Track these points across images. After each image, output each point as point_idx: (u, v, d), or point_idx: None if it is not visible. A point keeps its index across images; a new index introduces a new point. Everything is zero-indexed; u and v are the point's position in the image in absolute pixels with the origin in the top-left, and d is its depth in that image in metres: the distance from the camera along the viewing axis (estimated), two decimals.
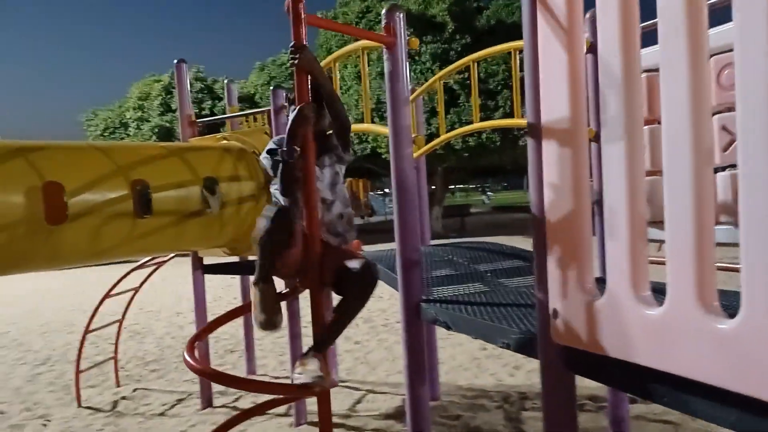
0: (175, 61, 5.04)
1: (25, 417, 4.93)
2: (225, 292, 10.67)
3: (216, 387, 4.98)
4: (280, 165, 2.38)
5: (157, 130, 22.61)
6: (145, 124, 23.33)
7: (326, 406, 2.30)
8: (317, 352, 2.28)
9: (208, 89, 23.83)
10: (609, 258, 1.51)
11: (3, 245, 2.92)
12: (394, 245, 2.98)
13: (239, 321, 5.83)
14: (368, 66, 3.63)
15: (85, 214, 3.24)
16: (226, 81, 6.14)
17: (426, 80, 5.88)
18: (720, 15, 2.21)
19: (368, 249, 6.13)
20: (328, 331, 2.35)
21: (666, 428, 3.85)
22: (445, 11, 18.49)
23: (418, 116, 4.66)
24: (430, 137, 5.42)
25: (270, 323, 2.27)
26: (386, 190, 37.01)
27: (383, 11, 2.83)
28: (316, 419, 2.36)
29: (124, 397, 5.34)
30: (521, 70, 2.16)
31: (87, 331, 5.37)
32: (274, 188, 2.56)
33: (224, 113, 5.84)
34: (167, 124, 22.38)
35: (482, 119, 10.73)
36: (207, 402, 4.92)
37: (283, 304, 2.55)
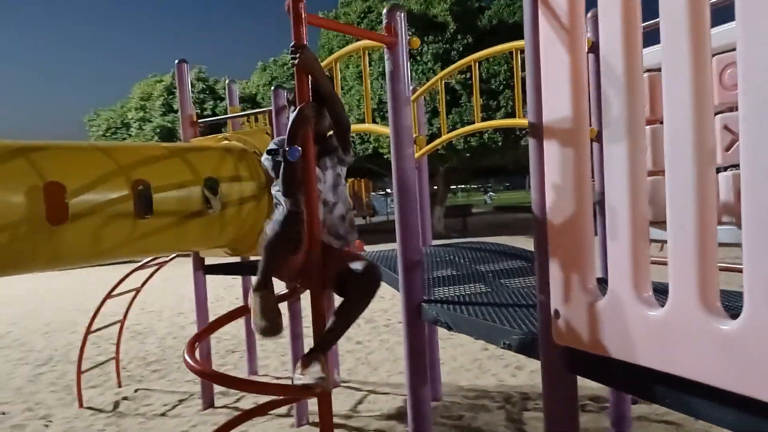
0: (176, 61, 5.05)
1: (26, 417, 4.93)
2: (227, 292, 10.67)
3: (217, 387, 4.98)
4: (281, 166, 2.37)
5: (159, 130, 22.64)
6: (147, 124, 23.37)
7: (327, 407, 2.29)
8: (318, 353, 2.28)
9: (210, 89, 23.86)
10: (611, 258, 1.50)
11: (4, 245, 2.93)
12: (395, 245, 2.97)
13: (241, 321, 5.82)
14: (370, 66, 3.63)
15: (87, 214, 3.24)
16: (227, 81, 6.14)
17: (428, 80, 5.88)
18: (722, 14, 2.20)
19: (370, 249, 6.12)
20: (329, 333, 2.33)
21: (668, 429, 3.84)
22: (446, 11, 18.48)
23: (420, 116, 4.65)
24: (432, 137, 5.41)
25: (272, 329, 2.25)
26: (388, 191, 37.00)
27: (384, 11, 2.82)
28: (317, 420, 2.35)
29: (125, 398, 5.34)
30: (523, 70, 2.16)
31: (88, 332, 5.37)
32: (276, 190, 2.55)
33: (226, 113, 5.84)
34: (169, 125, 22.42)
35: (484, 119, 10.72)
36: (208, 402, 4.92)
37: (284, 307, 2.55)
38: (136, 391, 5.53)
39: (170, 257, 5.52)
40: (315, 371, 2.19)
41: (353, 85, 19.09)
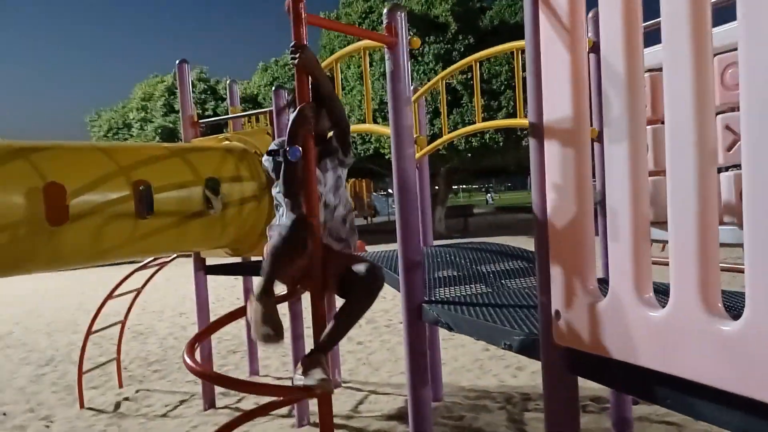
0: (177, 61, 5.05)
1: (28, 418, 4.93)
2: (228, 292, 10.67)
3: (219, 388, 4.97)
4: (282, 166, 2.37)
5: (160, 130, 22.67)
6: (148, 124, 23.41)
7: (327, 408, 2.29)
8: (319, 354, 2.27)
9: (212, 90, 23.89)
10: (611, 259, 1.50)
11: (4, 246, 2.93)
12: (396, 246, 2.97)
13: (242, 321, 5.82)
14: (371, 66, 3.63)
15: (87, 214, 3.24)
16: (228, 82, 6.14)
17: (429, 81, 5.87)
18: (724, 14, 2.19)
19: (371, 249, 6.12)
20: (330, 334, 2.33)
21: (669, 429, 3.83)
22: (448, 11, 18.48)
23: (421, 117, 4.65)
24: (433, 137, 5.41)
25: (275, 337, 2.24)
26: (389, 191, 37.01)
27: (384, 11, 2.82)
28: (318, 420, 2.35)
29: (126, 398, 5.34)
30: (524, 70, 2.15)
31: (89, 332, 5.37)
32: (276, 191, 2.54)
33: (227, 114, 5.84)
34: (171, 125, 22.44)
35: (485, 119, 10.72)
36: (209, 403, 4.91)
37: (284, 307, 2.54)
38: (137, 391, 5.53)
39: (171, 257, 5.53)
40: (315, 372, 2.19)
41: (355, 85, 19.10)
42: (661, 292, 1.42)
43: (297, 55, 2.26)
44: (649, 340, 1.39)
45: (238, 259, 5.20)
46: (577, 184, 1.59)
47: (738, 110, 1.14)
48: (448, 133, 4.61)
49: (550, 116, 1.65)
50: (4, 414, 5.06)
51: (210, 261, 5.08)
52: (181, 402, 5.14)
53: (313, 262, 2.31)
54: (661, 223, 1.59)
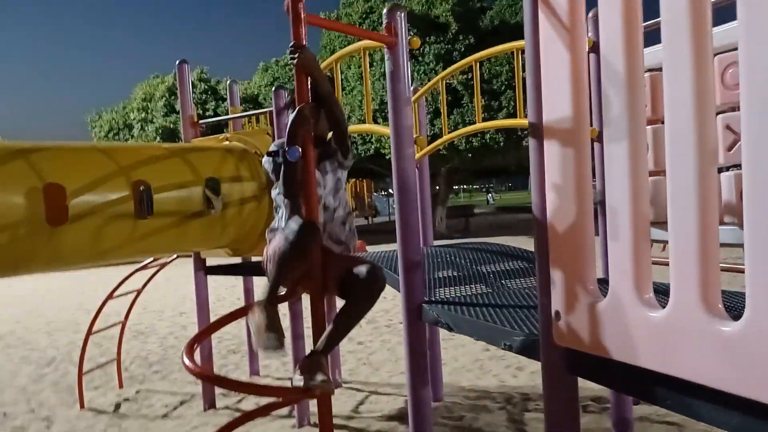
0: (177, 62, 5.05)
1: (28, 418, 4.93)
2: (228, 292, 10.67)
3: (219, 388, 4.97)
4: (282, 168, 2.37)
5: (161, 131, 22.67)
6: (149, 125, 23.41)
7: (326, 409, 2.28)
8: (319, 356, 2.26)
9: (212, 90, 23.88)
10: (611, 259, 1.49)
11: (3, 246, 2.92)
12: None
13: (242, 322, 5.82)
14: (372, 67, 3.63)
15: (87, 215, 3.24)
16: (228, 82, 6.14)
17: (429, 81, 5.87)
18: (724, 13, 2.19)
19: (372, 249, 6.12)
20: (331, 335, 2.32)
21: (669, 429, 3.83)
22: (448, 12, 18.47)
23: (421, 117, 4.65)
24: (434, 138, 5.40)
25: (278, 347, 2.23)
26: (390, 191, 37.02)
27: (384, 11, 2.82)
28: None
29: (126, 399, 5.34)
30: (524, 70, 2.15)
31: (89, 333, 5.37)
32: (276, 193, 2.53)
33: (228, 114, 5.85)
34: (171, 126, 22.44)
35: (486, 120, 10.71)
36: (210, 403, 4.91)
37: (285, 307, 2.53)
38: (137, 392, 5.53)
39: (171, 258, 5.53)
40: (315, 374, 2.18)
41: (355, 85, 19.09)
42: (661, 292, 1.42)
43: (296, 56, 2.26)
44: (649, 341, 1.38)
45: (238, 260, 5.19)
46: (577, 184, 1.58)
47: (738, 110, 1.14)
48: (449, 133, 4.61)
49: (549, 116, 1.65)
50: (4, 414, 5.06)
51: (210, 261, 5.08)
52: (182, 402, 5.14)
53: (313, 264, 2.31)
54: (661, 223, 1.58)
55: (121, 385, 5.69)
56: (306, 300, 2.61)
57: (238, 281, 8.74)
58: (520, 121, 3.79)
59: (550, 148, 1.66)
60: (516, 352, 2.13)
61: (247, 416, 2.86)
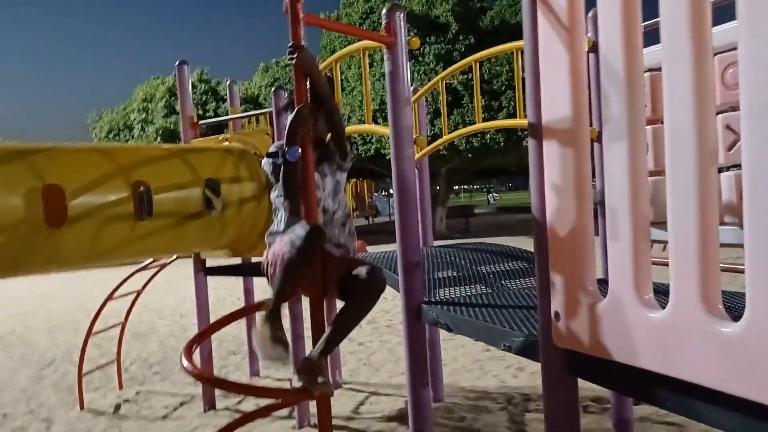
0: (177, 62, 5.05)
1: (28, 419, 4.93)
2: (228, 292, 10.66)
3: (219, 389, 4.97)
4: (281, 168, 2.36)
5: (161, 132, 22.68)
6: (149, 126, 23.42)
7: (326, 410, 2.28)
8: (319, 357, 2.26)
9: (212, 91, 23.89)
10: (611, 259, 1.49)
11: (2, 247, 2.92)
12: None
13: (242, 322, 5.82)
14: (372, 67, 3.63)
15: (86, 216, 3.24)
16: (228, 82, 6.14)
17: (429, 81, 5.88)
18: (724, 13, 2.18)
19: (372, 250, 6.11)
20: (330, 336, 2.31)
21: (670, 430, 3.82)
22: (448, 12, 18.48)
23: (421, 117, 4.64)
24: (434, 138, 5.40)
25: (283, 358, 2.22)
26: (390, 191, 37.01)
27: (383, 11, 2.81)
28: None
29: (126, 400, 5.33)
30: (524, 70, 2.14)
31: (89, 334, 5.36)
32: (275, 195, 2.52)
33: (228, 114, 5.85)
34: (172, 126, 22.45)
35: (486, 120, 10.71)
36: (210, 405, 4.90)
37: (285, 310, 2.53)
38: (137, 393, 5.52)
39: (171, 259, 5.52)
40: (315, 375, 2.18)
41: (355, 85, 19.09)
42: (661, 293, 1.41)
43: (295, 56, 2.26)
44: (649, 342, 1.38)
45: (238, 260, 5.19)
46: (577, 184, 1.58)
47: (738, 110, 1.14)
48: (449, 133, 4.61)
49: (549, 116, 1.64)
50: (4, 415, 5.05)
51: (210, 262, 5.07)
52: (182, 403, 5.13)
53: (314, 267, 2.30)
54: (661, 223, 1.57)
55: (121, 386, 5.69)
56: (306, 300, 2.60)
57: (237, 282, 8.74)
58: (520, 122, 3.79)
59: (549, 148, 1.66)
60: (515, 353, 2.12)
61: (247, 417, 2.87)
